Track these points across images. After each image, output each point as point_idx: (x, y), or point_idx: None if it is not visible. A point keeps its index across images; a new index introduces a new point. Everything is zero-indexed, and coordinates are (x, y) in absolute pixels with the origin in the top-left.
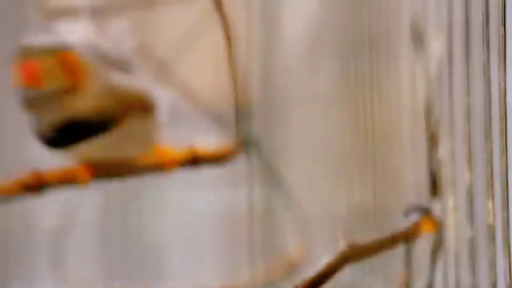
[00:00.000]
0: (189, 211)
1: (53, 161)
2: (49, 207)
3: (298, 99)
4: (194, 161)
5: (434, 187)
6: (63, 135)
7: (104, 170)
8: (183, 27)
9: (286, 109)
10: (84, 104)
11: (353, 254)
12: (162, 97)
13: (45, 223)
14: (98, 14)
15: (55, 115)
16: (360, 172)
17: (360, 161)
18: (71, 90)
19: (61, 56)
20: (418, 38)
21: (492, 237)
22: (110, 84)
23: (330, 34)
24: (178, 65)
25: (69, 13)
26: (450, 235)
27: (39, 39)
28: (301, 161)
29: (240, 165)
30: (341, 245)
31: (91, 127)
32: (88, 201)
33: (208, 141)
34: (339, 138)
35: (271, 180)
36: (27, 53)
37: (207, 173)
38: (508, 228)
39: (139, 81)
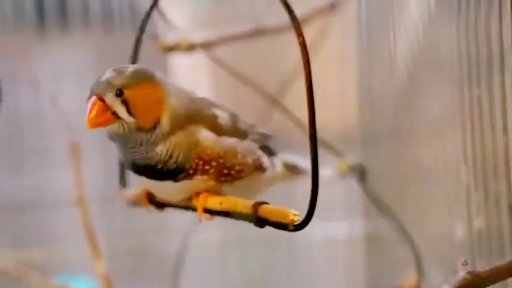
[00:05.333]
0: (307, 240)
1: None
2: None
3: (412, 127)
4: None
5: None
6: (138, 171)
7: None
8: (292, 56)
9: (400, 137)
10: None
11: (474, 282)
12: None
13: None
14: (210, 47)
15: (133, 156)
16: (478, 198)
17: (478, 187)
18: (145, 127)
19: (131, 90)
20: None
21: None
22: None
23: (440, 59)
24: (288, 95)
25: (184, 47)
26: None
27: (116, 70)
28: (416, 189)
29: (355, 194)
30: (461, 274)
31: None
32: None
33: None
34: (455, 164)
35: (385, 209)
36: (96, 87)
37: (323, 204)
38: None
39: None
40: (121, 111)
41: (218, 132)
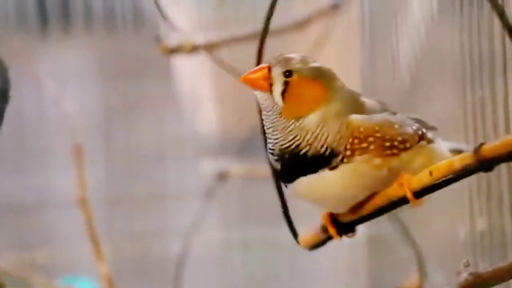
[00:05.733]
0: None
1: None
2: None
3: None
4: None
5: None
6: (286, 169)
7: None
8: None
9: None
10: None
11: (476, 283)
12: None
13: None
14: (213, 49)
15: (275, 139)
16: (481, 200)
17: (481, 189)
18: (286, 116)
19: (299, 79)
20: None
21: None
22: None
23: (443, 61)
24: None
25: (187, 49)
26: None
27: (302, 57)
28: None
29: None
30: (464, 275)
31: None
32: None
33: None
34: None
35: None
36: (273, 59)
37: None
38: None
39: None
40: (277, 89)
41: (368, 114)
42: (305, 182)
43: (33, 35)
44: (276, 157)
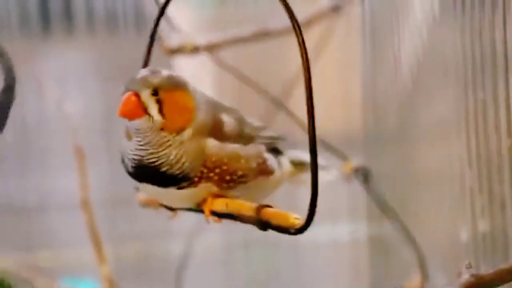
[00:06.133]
0: (311, 242)
1: None
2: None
3: (415, 130)
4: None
5: None
6: (140, 175)
7: None
8: (295, 59)
9: (404, 140)
10: (174, 154)
11: (478, 285)
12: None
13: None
14: (214, 49)
15: (142, 153)
16: (482, 201)
17: (483, 190)
18: (169, 130)
19: (167, 92)
20: None
21: None
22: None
23: (444, 62)
24: (291, 97)
25: (188, 50)
26: None
27: (152, 71)
28: (420, 192)
29: (359, 197)
30: (465, 276)
31: (169, 179)
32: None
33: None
34: (459, 166)
35: (389, 211)
36: (133, 84)
37: (327, 206)
38: None
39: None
40: (153, 108)
41: (223, 139)
42: (152, 189)
43: (35, 36)
44: (134, 163)
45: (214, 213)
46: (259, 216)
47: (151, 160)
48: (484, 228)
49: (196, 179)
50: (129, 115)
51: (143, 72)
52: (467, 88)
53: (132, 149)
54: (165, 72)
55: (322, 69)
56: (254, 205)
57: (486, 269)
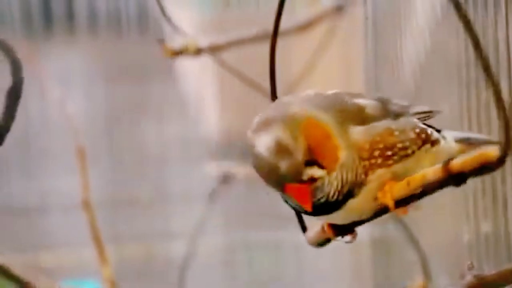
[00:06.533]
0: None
1: None
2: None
3: None
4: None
5: None
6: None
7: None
8: (298, 60)
9: None
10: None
11: (480, 286)
12: None
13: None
14: (216, 51)
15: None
16: (485, 202)
17: (485, 191)
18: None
19: (315, 148)
20: None
21: None
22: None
23: (447, 63)
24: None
25: (191, 51)
26: None
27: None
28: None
29: None
30: (468, 277)
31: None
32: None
33: None
34: None
35: (391, 213)
36: (284, 175)
37: None
38: None
39: None
40: (316, 172)
41: (367, 121)
42: (329, 217)
43: (38, 36)
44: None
45: (398, 203)
46: (450, 171)
47: (322, 201)
48: (487, 229)
49: (363, 176)
50: (310, 205)
51: (272, 155)
52: (470, 88)
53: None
54: (285, 119)
55: (325, 69)
56: (437, 166)
57: (488, 270)
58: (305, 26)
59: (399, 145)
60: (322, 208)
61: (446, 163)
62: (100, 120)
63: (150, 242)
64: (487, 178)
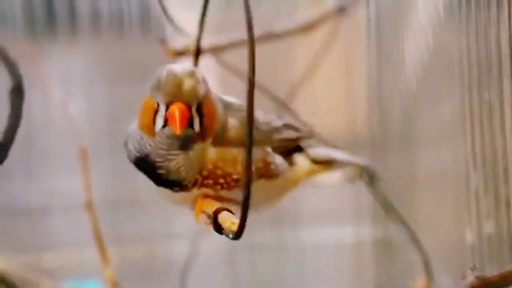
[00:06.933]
0: (315, 245)
1: None
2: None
3: (421, 131)
4: None
5: None
6: (140, 166)
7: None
8: (300, 61)
9: (409, 141)
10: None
11: (483, 287)
12: None
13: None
14: (218, 51)
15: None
16: (488, 203)
17: (488, 192)
18: (200, 141)
19: (206, 104)
20: None
21: None
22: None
23: (449, 63)
24: (296, 99)
25: (193, 52)
26: None
27: (196, 78)
28: (425, 193)
29: (363, 199)
30: (470, 278)
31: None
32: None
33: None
34: (464, 168)
35: (394, 214)
36: (182, 94)
37: (332, 209)
38: None
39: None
40: (196, 121)
41: (224, 144)
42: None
43: (40, 37)
44: (139, 154)
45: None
46: (215, 217)
47: (157, 159)
48: (490, 229)
49: (189, 185)
50: (180, 128)
51: (187, 80)
52: (472, 89)
53: (150, 145)
54: (201, 76)
55: (327, 71)
56: (216, 207)
57: (491, 271)
58: (308, 27)
59: (234, 177)
60: (147, 169)
61: (217, 210)
62: (102, 120)
63: (152, 242)
64: (489, 178)
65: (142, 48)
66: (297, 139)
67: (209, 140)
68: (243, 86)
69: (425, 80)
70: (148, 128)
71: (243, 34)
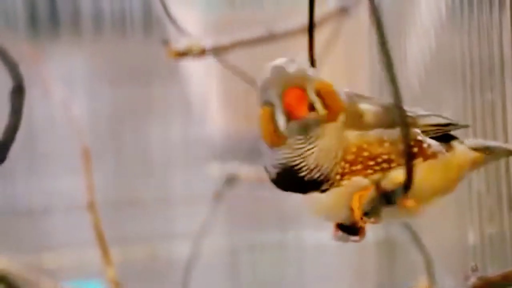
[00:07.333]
0: (317, 245)
1: None
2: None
3: None
4: None
5: None
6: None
7: None
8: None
9: None
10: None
11: (484, 287)
12: None
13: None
14: (221, 52)
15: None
16: (490, 204)
17: (490, 192)
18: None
19: (321, 83)
20: None
21: None
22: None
23: (452, 64)
24: None
25: (195, 52)
26: None
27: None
28: None
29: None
30: (472, 279)
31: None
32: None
33: None
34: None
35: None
36: (283, 80)
37: None
38: None
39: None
40: (318, 104)
41: (364, 128)
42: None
43: (43, 38)
44: (277, 169)
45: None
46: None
47: (290, 165)
48: (492, 230)
49: (338, 177)
50: (301, 110)
51: (292, 65)
52: (474, 89)
53: (283, 153)
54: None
55: (329, 71)
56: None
57: (493, 272)
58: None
59: (384, 157)
60: (290, 180)
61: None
62: (104, 121)
63: (154, 243)
64: (491, 179)
65: (144, 48)
66: (447, 125)
67: (339, 122)
68: (244, 86)
69: (427, 81)
70: (274, 135)
71: (245, 34)
